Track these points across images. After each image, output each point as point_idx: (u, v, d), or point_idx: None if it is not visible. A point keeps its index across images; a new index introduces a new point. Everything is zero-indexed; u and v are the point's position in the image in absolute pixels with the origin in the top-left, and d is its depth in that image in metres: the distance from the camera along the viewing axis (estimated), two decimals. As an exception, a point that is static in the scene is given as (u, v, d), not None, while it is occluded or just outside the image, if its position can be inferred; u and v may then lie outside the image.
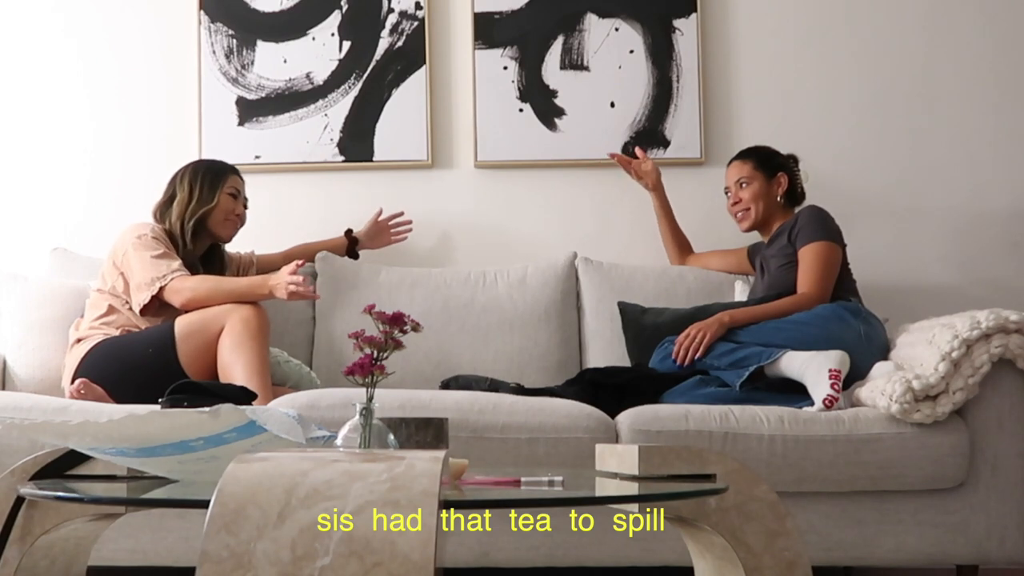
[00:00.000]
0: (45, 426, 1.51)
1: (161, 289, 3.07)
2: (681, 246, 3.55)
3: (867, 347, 2.93)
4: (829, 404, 2.74)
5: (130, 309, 3.13)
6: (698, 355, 2.99)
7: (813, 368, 2.83)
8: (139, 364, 2.96)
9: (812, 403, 2.80)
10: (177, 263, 3.11)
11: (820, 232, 3.16)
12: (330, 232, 3.63)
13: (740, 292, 3.38)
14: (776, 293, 3.14)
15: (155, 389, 2.67)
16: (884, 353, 2.97)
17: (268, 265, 3.47)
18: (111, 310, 3.14)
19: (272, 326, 3.15)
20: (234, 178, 3.32)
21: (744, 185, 3.34)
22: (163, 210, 3.27)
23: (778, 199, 3.33)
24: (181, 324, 3.00)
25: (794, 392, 2.87)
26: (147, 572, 2.69)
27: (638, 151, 3.56)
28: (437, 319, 3.35)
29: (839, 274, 3.16)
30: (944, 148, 3.69)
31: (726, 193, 3.42)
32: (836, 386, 2.77)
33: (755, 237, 3.43)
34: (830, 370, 2.79)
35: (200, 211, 3.23)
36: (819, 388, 2.79)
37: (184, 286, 3.06)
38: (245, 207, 3.35)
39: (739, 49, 3.73)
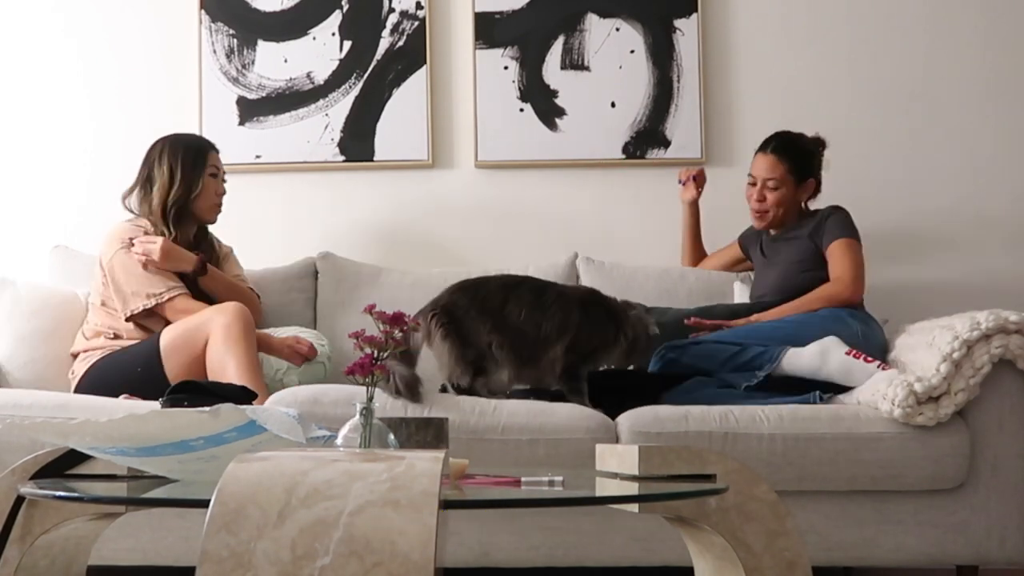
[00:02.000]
0: (45, 425, 1.51)
1: (158, 305, 3.04)
2: (698, 256, 3.54)
3: (865, 347, 2.93)
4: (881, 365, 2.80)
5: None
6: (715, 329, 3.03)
7: (833, 365, 2.83)
8: (130, 384, 2.90)
9: (820, 395, 2.81)
10: (174, 275, 3.07)
11: (850, 230, 3.17)
12: (330, 231, 3.64)
13: (739, 294, 3.37)
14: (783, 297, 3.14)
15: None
16: (882, 354, 2.97)
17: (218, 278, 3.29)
18: (108, 315, 3.12)
19: (273, 326, 3.14)
20: (213, 155, 3.24)
21: (772, 187, 3.26)
22: (140, 196, 3.17)
23: (803, 205, 3.31)
24: (166, 339, 2.95)
25: (794, 391, 2.86)
26: (147, 572, 2.69)
27: (698, 174, 3.51)
28: (437, 319, 3.34)
29: None
30: (944, 148, 3.69)
31: (749, 177, 3.31)
32: (867, 358, 2.81)
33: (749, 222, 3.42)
34: (845, 353, 2.83)
35: (182, 199, 3.14)
36: (855, 373, 2.81)
37: (187, 307, 3.03)
38: (224, 181, 3.26)
39: (739, 49, 3.73)
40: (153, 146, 3.22)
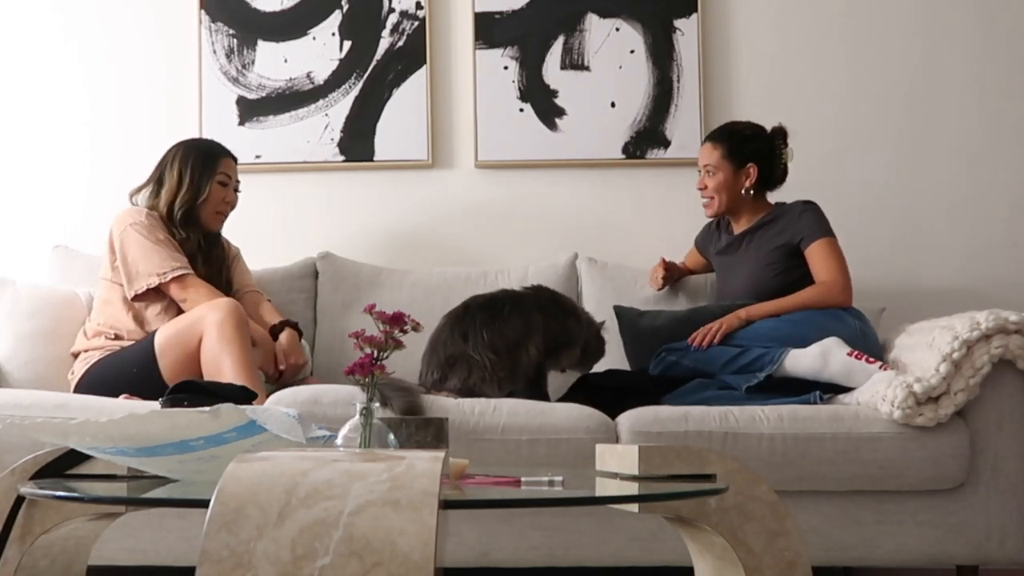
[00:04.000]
0: (45, 425, 1.51)
1: (163, 284, 3.05)
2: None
3: (864, 344, 2.93)
4: (883, 366, 2.79)
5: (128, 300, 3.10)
6: (716, 341, 2.98)
7: (834, 366, 2.82)
8: (128, 385, 2.90)
9: (820, 395, 2.81)
10: (180, 256, 3.08)
11: (827, 228, 3.14)
12: (330, 231, 3.65)
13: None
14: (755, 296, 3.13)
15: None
16: (879, 350, 2.97)
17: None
18: (111, 314, 3.11)
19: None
20: (226, 162, 3.23)
21: (710, 173, 3.24)
22: (149, 195, 3.19)
23: (743, 192, 3.23)
24: (160, 339, 2.95)
25: (794, 391, 2.86)
26: (147, 572, 2.69)
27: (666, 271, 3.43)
28: (437, 319, 3.34)
29: None
30: (944, 147, 3.70)
31: (698, 171, 3.32)
32: (868, 359, 2.80)
33: (704, 223, 3.41)
34: (847, 355, 2.82)
35: (189, 204, 3.16)
36: (857, 375, 2.80)
37: (193, 285, 3.03)
38: (236, 191, 3.27)
39: (739, 49, 3.73)
40: (169, 150, 3.25)
